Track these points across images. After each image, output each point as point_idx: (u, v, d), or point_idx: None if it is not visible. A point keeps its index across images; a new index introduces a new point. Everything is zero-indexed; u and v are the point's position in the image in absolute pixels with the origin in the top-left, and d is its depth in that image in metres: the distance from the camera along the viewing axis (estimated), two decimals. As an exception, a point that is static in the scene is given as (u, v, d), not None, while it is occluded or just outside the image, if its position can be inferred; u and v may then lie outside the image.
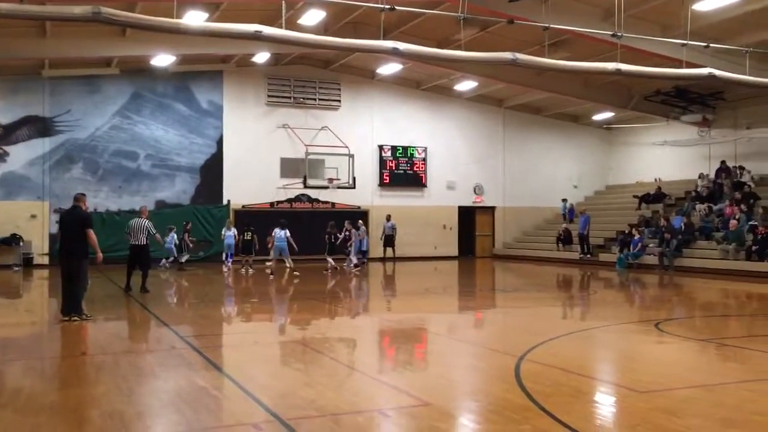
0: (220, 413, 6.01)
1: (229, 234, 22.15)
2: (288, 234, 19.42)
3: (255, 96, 26.61)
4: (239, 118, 26.31)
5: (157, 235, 15.73)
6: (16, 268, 22.49)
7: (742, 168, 25.48)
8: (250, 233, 21.58)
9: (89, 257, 10.97)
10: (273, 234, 19.66)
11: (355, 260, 21.96)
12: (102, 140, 24.63)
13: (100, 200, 24.16)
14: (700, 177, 26.61)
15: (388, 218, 26.54)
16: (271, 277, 19.38)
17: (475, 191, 30.24)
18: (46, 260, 23.58)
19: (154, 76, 25.01)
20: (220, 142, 26.03)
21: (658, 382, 7.03)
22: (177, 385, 6.88)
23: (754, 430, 5.35)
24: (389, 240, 26.47)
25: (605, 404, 6.46)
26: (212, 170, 25.90)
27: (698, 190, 26.11)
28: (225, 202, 26.01)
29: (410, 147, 28.75)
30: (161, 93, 25.40)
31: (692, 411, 5.88)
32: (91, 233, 10.74)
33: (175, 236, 22.40)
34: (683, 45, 16.99)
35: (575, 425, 5.32)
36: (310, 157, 25.79)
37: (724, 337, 10.45)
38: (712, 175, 26.49)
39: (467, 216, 30.05)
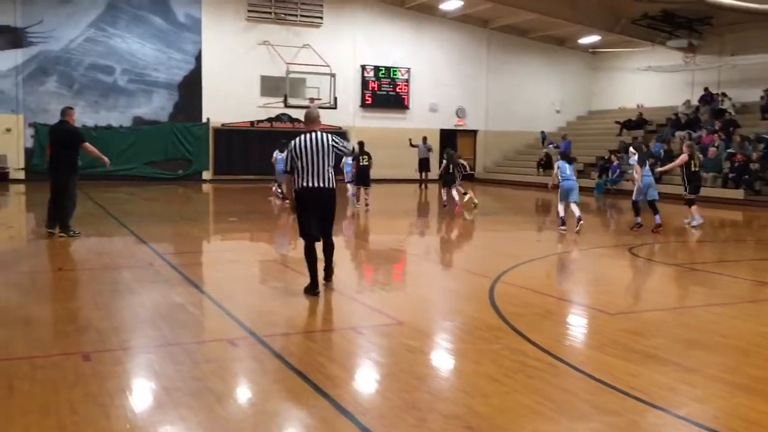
0: (197, 329, 6.08)
1: (348, 161, 17.22)
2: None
3: (235, 11, 25.81)
4: (218, 34, 25.58)
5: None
6: (-8, 183, 22.25)
7: (724, 95, 25.44)
8: (366, 157, 16.86)
9: (79, 173, 10.95)
10: (274, 157, 17.80)
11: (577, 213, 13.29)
12: (77, 53, 23.92)
13: (77, 116, 23.57)
14: (684, 104, 26.54)
15: (425, 140, 26.38)
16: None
17: (457, 114, 30.03)
18: (22, 175, 23.27)
19: (128, -14, 24.12)
20: (198, 58, 25.40)
21: (628, 304, 7.21)
22: (154, 301, 6.93)
23: (715, 350, 5.52)
24: (425, 163, 26.28)
25: (575, 325, 6.62)
26: (191, 87, 25.36)
27: (678, 116, 26.09)
28: (204, 120, 25.62)
29: (393, 68, 28.28)
30: (137, 5, 24.53)
31: (658, 332, 6.05)
32: (88, 146, 10.88)
33: None
34: (673, -34, 16.65)
35: (543, 343, 5.46)
36: (291, 75, 25.29)
37: (695, 262, 10.67)
38: (695, 102, 26.45)
39: (449, 139, 29.91)
